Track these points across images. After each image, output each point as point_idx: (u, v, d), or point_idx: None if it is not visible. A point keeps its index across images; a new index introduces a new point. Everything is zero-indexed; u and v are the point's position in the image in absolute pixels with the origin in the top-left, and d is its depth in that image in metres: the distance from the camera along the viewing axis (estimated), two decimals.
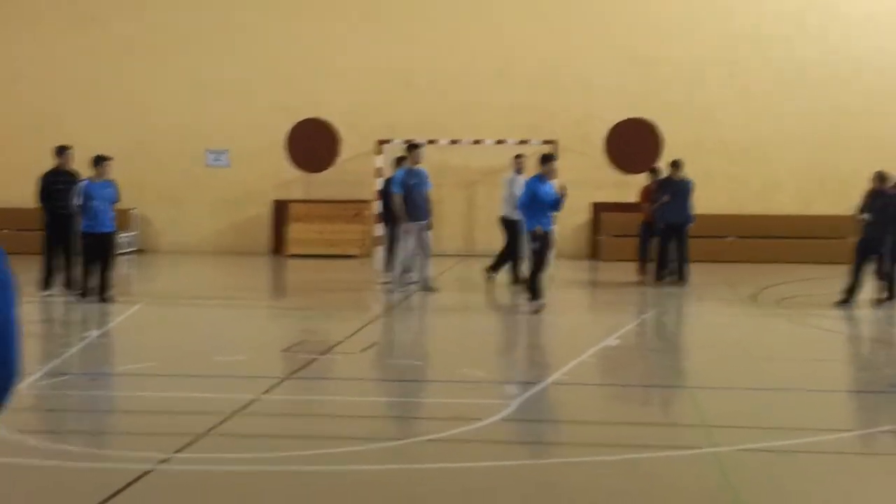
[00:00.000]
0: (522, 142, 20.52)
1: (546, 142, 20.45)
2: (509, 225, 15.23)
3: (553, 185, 13.26)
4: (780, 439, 7.15)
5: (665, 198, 15.91)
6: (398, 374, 9.74)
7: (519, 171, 15.58)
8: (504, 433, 7.47)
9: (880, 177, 13.69)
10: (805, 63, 20.51)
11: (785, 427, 7.56)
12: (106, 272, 13.80)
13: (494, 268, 15.60)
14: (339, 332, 11.66)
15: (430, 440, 7.19)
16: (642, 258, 16.37)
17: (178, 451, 6.76)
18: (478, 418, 7.79)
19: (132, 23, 21.81)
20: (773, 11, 20.63)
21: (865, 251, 13.64)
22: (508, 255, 15.42)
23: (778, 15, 20.60)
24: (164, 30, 21.77)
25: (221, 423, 7.52)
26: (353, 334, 11.52)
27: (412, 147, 15.19)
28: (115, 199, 13.86)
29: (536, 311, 12.64)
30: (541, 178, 12.90)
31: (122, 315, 12.76)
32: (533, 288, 12.84)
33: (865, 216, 13.57)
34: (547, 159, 13.16)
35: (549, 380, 9.11)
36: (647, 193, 16.57)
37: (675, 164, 16.23)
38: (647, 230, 16.32)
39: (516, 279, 15.08)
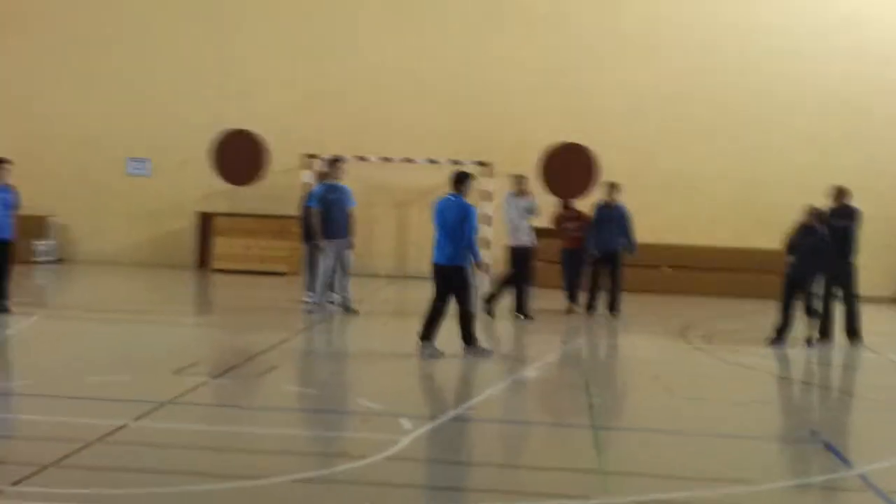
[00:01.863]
0: (456, 162, 20.02)
1: (479, 163, 19.98)
2: (516, 252, 14.58)
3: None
4: (678, 490, 6.59)
5: (574, 225, 15.79)
6: (289, 403, 9.07)
7: (520, 193, 14.74)
8: (383, 474, 6.83)
9: (814, 213, 13.20)
10: (746, 98, 20.17)
11: (687, 476, 7.00)
12: (2, 281, 13.03)
13: (490, 300, 14.86)
14: (241, 354, 10.99)
15: (298, 480, 6.54)
16: (569, 286, 15.83)
17: (15, 482, 6.07)
18: (362, 455, 7.17)
19: (55, 27, 21.05)
20: (712, 46, 20.29)
21: (793, 287, 13.21)
22: (513, 284, 14.66)
23: (717, 49, 20.26)
24: (89, 35, 21.05)
25: (76, 451, 6.84)
26: (254, 356, 10.85)
27: (333, 162, 14.57)
28: (13, 205, 13.12)
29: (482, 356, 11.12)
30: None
31: (14, 327, 11.99)
32: (474, 336, 11.28)
33: (789, 258, 13.16)
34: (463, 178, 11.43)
35: (450, 414, 8.50)
36: (559, 219, 16.25)
37: (611, 187, 15.69)
38: (570, 257, 15.82)
39: (520, 308, 14.58)
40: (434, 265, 11.15)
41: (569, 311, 15.62)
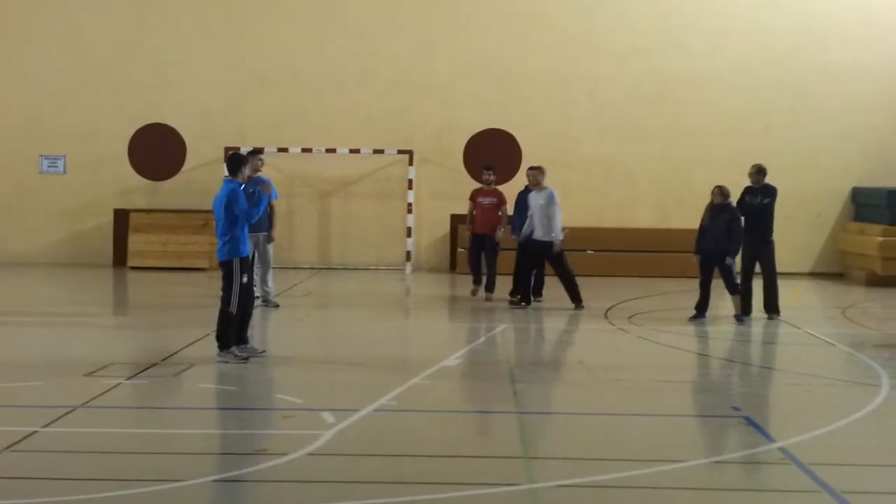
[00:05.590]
0: (377, 151, 19.86)
1: (401, 151, 19.83)
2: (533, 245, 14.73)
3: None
4: (604, 472, 6.57)
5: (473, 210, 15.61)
6: (207, 401, 8.88)
7: (533, 185, 14.83)
8: (305, 470, 6.69)
9: (721, 192, 13.43)
10: (665, 79, 20.27)
11: (613, 458, 6.99)
12: None
13: (535, 292, 15.02)
14: (157, 353, 10.71)
15: (218, 480, 6.38)
16: (474, 270, 15.72)
17: None
18: (283, 452, 7.03)
19: None
20: (635, 26, 20.32)
21: (710, 265, 13.41)
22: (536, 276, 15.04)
23: (639, 30, 20.30)
24: None
25: None
26: (171, 355, 10.60)
27: (251, 153, 14.30)
28: None
29: (245, 360, 10.15)
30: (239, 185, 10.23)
31: None
32: (227, 338, 10.18)
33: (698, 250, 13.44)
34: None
35: (373, 406, 8.38)
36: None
37: (532, 170, 15.48)
38: (475, 242, 15.74)
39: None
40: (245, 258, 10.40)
41: (473, 293, 15.53)
